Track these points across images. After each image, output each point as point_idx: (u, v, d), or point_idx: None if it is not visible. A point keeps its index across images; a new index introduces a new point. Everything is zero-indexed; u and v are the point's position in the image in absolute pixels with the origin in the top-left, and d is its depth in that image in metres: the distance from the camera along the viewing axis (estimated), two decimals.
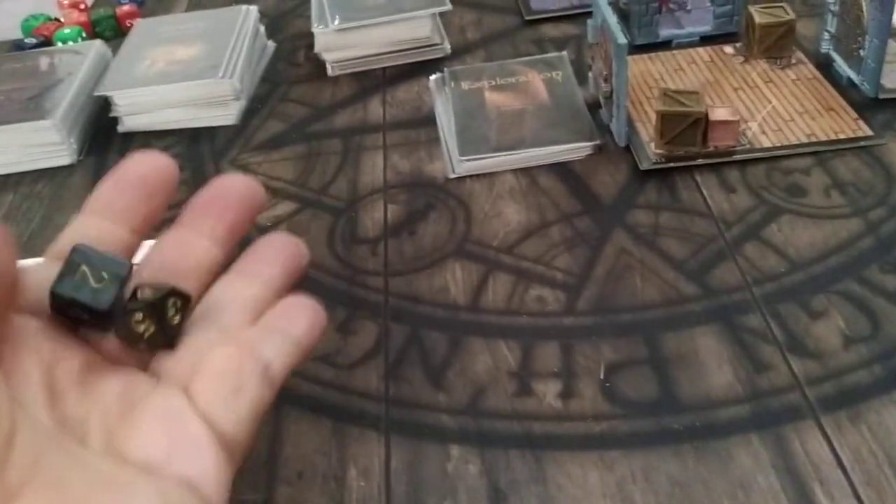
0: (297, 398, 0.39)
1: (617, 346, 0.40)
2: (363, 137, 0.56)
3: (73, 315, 0.27)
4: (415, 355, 0.41)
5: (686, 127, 0.49)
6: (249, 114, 0.60)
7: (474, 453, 0.36)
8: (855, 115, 0.51)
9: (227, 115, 0.59)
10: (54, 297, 0.27)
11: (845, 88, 0.53)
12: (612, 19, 0.48)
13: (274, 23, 0.72)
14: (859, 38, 0.52)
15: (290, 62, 0.66)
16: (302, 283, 0.45)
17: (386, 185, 0.52)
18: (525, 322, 0.42)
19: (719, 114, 0.49)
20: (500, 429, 0.37)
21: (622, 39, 0.46)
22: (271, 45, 0.68)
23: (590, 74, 0.55)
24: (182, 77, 0.59)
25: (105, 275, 0.27)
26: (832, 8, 0.54)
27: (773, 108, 0.52)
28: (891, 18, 0.48)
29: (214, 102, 0.59)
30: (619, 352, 0.39)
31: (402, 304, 0.43)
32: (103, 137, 0.61)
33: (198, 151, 0.57)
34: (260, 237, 0.34)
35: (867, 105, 0.52)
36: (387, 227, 0.48)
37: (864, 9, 0.50)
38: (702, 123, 0.48)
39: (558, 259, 0.45)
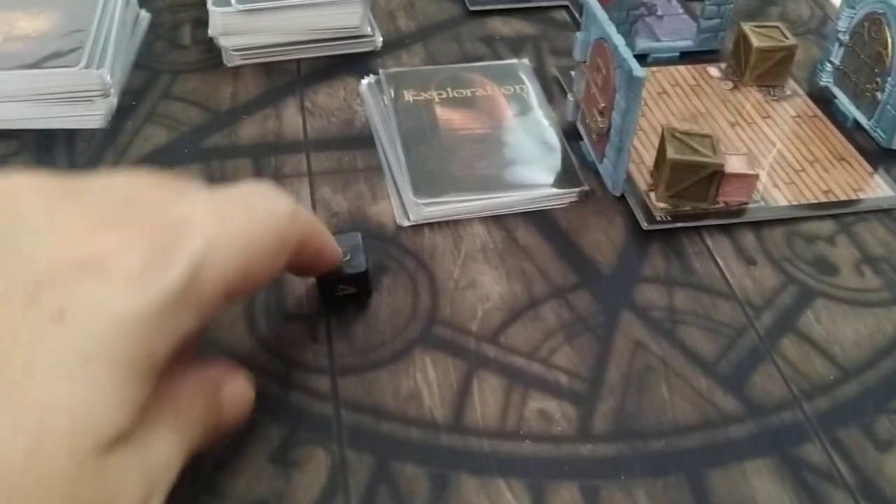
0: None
1: (654, 489, 0.30)
2: (280, 159, 0.44)
3: None
4: (387, 502, 0.30)
5: (698, 180, 0.40)
6: (121, 114, 0.46)
7: None
8: (870, 169, 0.44)
9: (91, 117, 0.45)
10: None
11: (851, 132, 0.46)
12: (622, 44, 0.38)
13: None
14: (877, 79, 0.44)
15: (171, 42, 0.52)
16: None
17: None
18: (529, 450, 0.32)
19: (735, 165, 0.40)
20: None
21: (639, 72, 0.37)
22: (145, 16, 0.53)
23: (569, 97, 0.45)
24: (29, 60, 0.44)
25: None
26: (841, 37, 0.47)
27: (778, 152, 0.45)
28: None
29: (75, 99, 0.44)
30: (659, 499, 0.30)
31: (360, 421, 0.32)
32: None
33: (52, 164, 0.43)
34: None
35: (878, 155, 0.45)
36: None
37: (891, 46, 0.43)
38: (717, 177, 0.40)
39: (558, 354, 0.35)
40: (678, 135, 0.40)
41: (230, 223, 0.26)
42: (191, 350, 0.28)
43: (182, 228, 0.25)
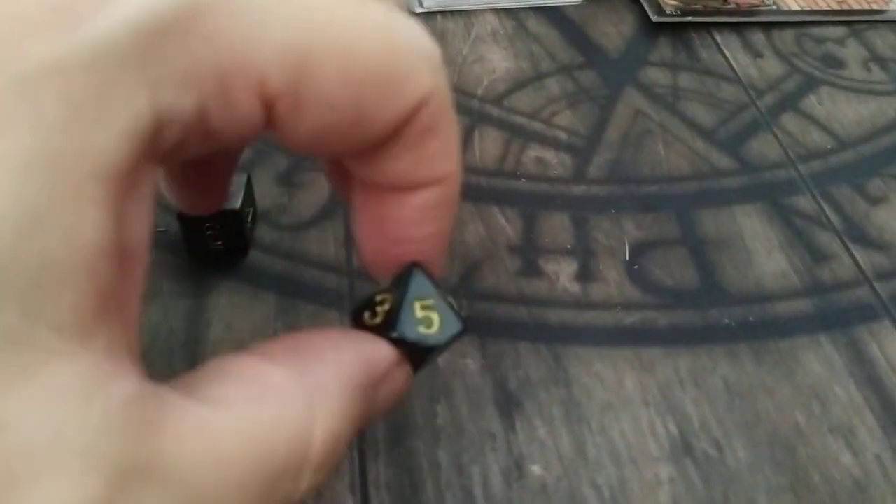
0: (228, 264, 0.29)
1: (642, 221, 0.31)
2: None
3: None
4: None
5: None
6: None
7: (472, 344, 0.27)
8: None
9: None
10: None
11: None
12: None
13: None
14: None
15: None
16: None
17: None
18: (524, 186, 0.33)
19: None
20: (502, 315, 0.28)
21: None
22: None
23: None
24: None
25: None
26: None
27: None
28: None
29: None
30: (646, 229, 0.31)
31: None
32: None
33: None
34: None
35: None
36: None
37: None
38: None
39: (559, 116, 0.36)
40: None
41: None
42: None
43: None
